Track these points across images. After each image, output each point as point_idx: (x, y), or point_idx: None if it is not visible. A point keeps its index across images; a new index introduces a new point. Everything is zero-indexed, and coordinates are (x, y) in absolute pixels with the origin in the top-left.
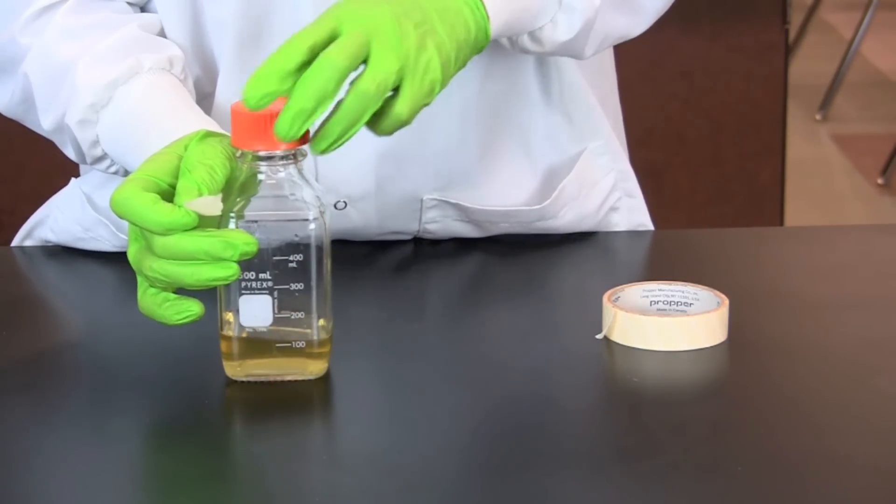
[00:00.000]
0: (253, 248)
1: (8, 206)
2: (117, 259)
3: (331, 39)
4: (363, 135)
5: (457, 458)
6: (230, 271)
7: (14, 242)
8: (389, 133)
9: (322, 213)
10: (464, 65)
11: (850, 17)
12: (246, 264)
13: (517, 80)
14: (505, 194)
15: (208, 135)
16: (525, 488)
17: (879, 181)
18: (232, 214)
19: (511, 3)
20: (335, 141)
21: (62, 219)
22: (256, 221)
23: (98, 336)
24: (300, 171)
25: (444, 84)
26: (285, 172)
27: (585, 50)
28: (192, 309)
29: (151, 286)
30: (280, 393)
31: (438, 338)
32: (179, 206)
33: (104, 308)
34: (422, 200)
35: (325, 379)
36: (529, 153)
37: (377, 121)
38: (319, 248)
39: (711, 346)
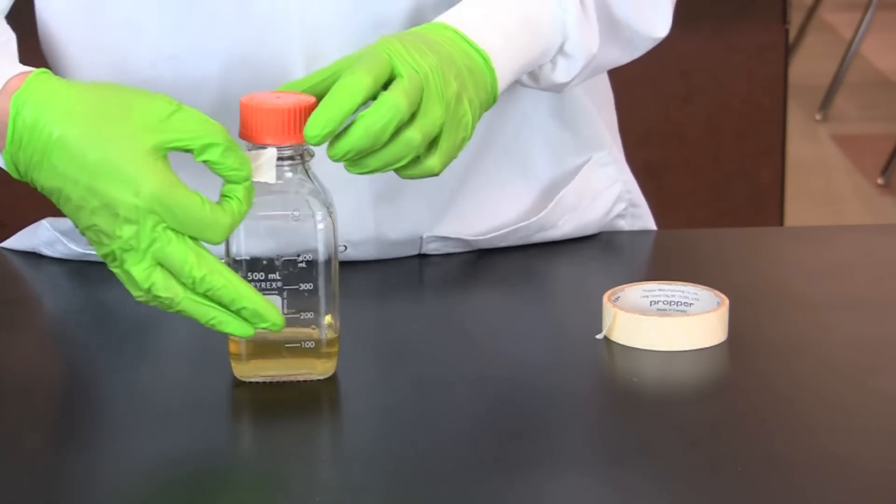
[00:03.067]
0: (278, 329)
1: (8, 205)
2: None
3: (388, 77)
4: (359, 179)
5: (458, 458)
6: (247, 332)
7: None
8: (413, 178)
9: (330, 213)
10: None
11: (850, 17)
12: (255, 266)
13: (516, 105)
14: (505, 216)
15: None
16: (525, 488)
17: (879, 181)
18: None
19: (516, 63)
20: (370, 172)
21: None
22: (265, 222)
23: (100, 337)
24: (308, 172)
25: (468, 141)
26: (293, 173)
27: (572, 85)
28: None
29: (145, 298)
30: (287, 393)
31: (439, 338)
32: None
33: (106, 308)
34: (421, 238)
35: (330, 379)
36: (530, 174)
37: (406, 167)
38: (328, 248)
39: (711, 346)
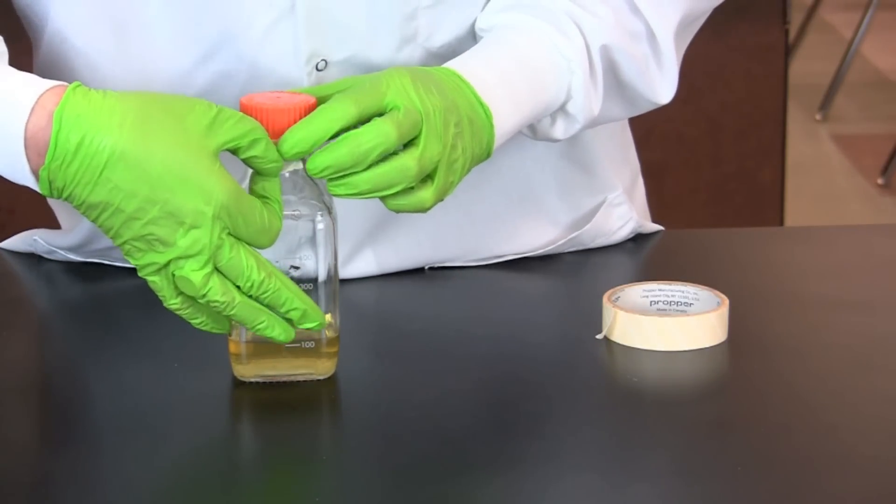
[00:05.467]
0: (321, 328)
1: (8, 205)
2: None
3: (376, 109)
4: (357, 222)
5: (458, 458)
6: (290, 336)
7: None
8: (399, 211)
9: (329, 212)
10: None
11: (850, 17)
12: None
13: (528, 147)
14: (513, 245)
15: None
16: (525, 487)
17: (879, 181)
18: None
19: (516, 120)
20: (356, 195)
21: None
22: None
23: (99, 336)
24: (307, 171)
25: (455, 187)
26: (292, 173)
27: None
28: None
29: (180, 306)
30: (287, 393)
31: (440, 338)
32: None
33: (105, 308)
34: (425, 269)
35: (330, 379)
36: (546, 217)
37: (397, 196)
38: (327, 248)
39: (711, 346)
